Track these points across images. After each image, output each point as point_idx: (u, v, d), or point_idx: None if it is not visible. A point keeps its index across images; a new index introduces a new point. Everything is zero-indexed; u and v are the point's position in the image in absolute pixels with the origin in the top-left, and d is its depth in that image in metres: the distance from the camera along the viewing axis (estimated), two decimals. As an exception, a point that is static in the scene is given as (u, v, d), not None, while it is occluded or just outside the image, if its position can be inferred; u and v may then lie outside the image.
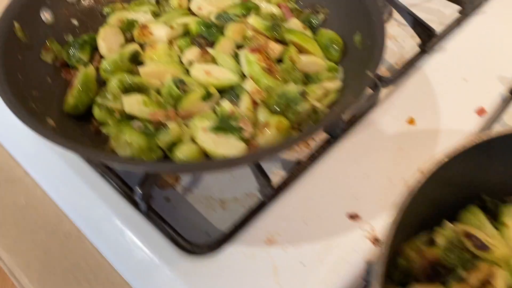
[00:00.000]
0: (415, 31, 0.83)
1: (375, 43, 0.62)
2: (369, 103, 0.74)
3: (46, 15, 0.72)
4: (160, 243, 0.58)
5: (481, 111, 0.73)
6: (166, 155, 0.60)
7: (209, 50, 0.70)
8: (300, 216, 0.61)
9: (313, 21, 0.77)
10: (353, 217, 0.60)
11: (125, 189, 0.63)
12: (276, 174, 0.67)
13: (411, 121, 0.72)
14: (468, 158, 0.47)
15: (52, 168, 0.67)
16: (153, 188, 0.61)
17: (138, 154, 0.59)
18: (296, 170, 0.65)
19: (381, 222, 0.60)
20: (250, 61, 0.65)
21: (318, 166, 0.66)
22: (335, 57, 0.70)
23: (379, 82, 0.75)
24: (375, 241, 0.58)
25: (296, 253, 0.57)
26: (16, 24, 0.66)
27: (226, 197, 0.67)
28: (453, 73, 0.79)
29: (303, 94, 0.60)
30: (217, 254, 0.57)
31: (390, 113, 0.73)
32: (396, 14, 0.90)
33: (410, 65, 0.80)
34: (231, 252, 0.57)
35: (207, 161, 0.56)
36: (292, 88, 0.61)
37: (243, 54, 0.66)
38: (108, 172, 0.65)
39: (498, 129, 0.71)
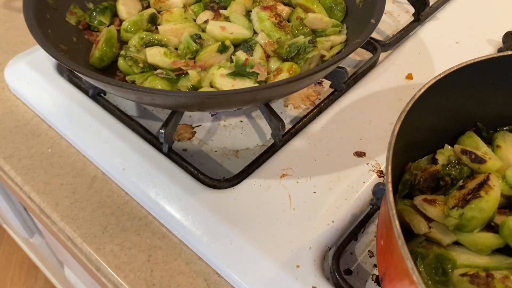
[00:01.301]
0: (410, 1, 0.90)
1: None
2: (370, 64, 0.80)
3: (69, -17, 0.78)
4: (183, 179, 0.63)
5: (472, 68, 0.79)
6: (186, 99, 0.66)
7: (222, 11, 0.76)
8: (311, 155, 0.66)
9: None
10: (359, 154, 0.66)
11: (146, 134, 0.68)
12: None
13: (409, 77, 0.78)
14: (461, 83, 0.52)
15: (77, 120, 0.72)
16: (175, 129, 0.66)
17: (162, 94, 0.64)
18: (304, 118, 0.71)
19: (385, 159, 0.65)
20: (262, 18, 0.71)
21: (325, 115, 0.71)
22: (338, 16, 0.76)
23: (379, 46, 0.82)
24: (380, 173, 0.64)
25: (308, 184, 0.62)
26: (44, -13, 0.71)
27: (239, 147, 0.72)
28: (446, 38, 0.86)
29: (313, 42, 0.65)
30: (237, 187, 0.62)
31: (389, 71, 0.79)
32: (391, -10, 0.97)
33: (406, 31, 0.87)
34: (250, 184, 0.62)
35: (233, 89, 0.60)
36: (302, 38, 0.66)
37: (255, 12, 0.72)
38: (129, 120, 0.70)
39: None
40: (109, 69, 0.71)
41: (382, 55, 0.84)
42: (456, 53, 0.82)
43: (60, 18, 0.73)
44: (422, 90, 0.47)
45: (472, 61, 0.50)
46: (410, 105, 0.46)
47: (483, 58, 0.51)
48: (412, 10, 0.90)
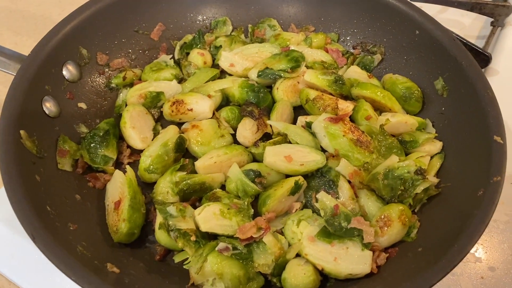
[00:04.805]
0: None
1: (478, 95, 0.52)
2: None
3: (49, 106, 0.55)
4: None
5: None
6: (267, 280, 0.47)
7: (270, 123, 0.57)
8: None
9: (369, 64, 0.66)
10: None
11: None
12: None
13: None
14: None
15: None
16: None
17: (235, 287, 0.45)
18: None
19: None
20: (334, 134, 0.53)
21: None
22: (415, 108, 0.60)
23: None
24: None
25: None
26: (23, 132, 0.49)
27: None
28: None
29: (421, 172, 0.49)
30: None
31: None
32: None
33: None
34: None
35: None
36: (401, 165, 0.49)
37: (320, 125, 0.53)
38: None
39: None
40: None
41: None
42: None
43: (51, 172, 0.51)
44: None
45: None
46: None
47: None
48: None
